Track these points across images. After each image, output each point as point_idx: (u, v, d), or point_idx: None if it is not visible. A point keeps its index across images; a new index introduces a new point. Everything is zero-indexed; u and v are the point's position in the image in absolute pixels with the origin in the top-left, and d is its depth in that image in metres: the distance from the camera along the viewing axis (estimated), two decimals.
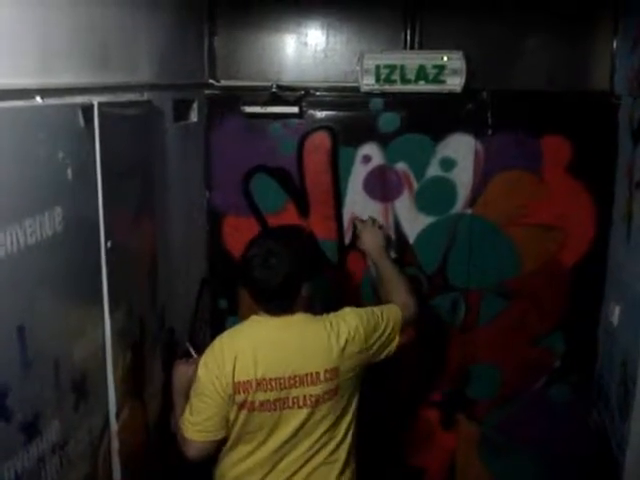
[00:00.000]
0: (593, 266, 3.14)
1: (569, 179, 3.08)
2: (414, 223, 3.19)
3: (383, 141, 3.13)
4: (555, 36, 3.13)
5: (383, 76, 3.02)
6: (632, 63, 2.77)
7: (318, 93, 3.15)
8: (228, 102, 3.14)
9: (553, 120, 3.06)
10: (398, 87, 3.03)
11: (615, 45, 3.04)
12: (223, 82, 3.18)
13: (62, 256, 1.71)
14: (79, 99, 1.80)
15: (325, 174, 3.17)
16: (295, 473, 2.35)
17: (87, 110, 1.81)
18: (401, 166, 3.14)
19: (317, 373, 2.25)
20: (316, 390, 2.26)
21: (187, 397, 2.34)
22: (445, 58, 2.98)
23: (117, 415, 2.06)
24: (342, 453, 2.40)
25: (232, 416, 2.27)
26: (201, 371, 2.27)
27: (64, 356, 1.74)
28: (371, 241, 2.92)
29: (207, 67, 3.18)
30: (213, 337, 2.41)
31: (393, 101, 3.10)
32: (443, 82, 3.00)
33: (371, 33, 3.14)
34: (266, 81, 3.12)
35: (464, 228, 3.17)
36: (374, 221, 3.08)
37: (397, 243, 3.20)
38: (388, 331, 2.43)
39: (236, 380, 2.22)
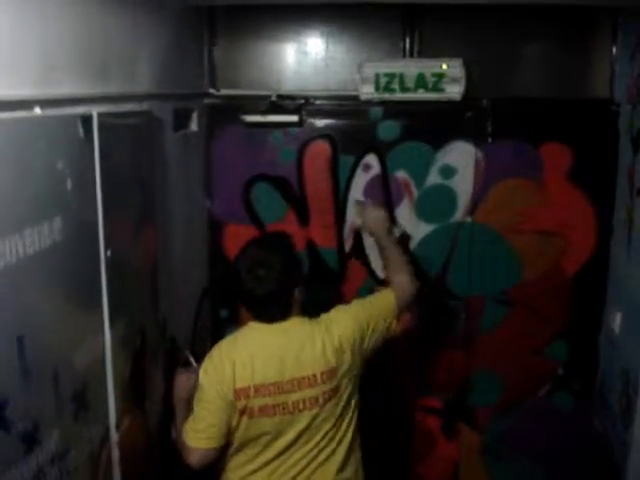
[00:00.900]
0: (594, 273, 3.13)
1: (570, 186, 3.08)
2: (414, 231, 3.19)
3: (383, 149, 3.13)
4: (555, 44, 3.14)
5: (382, 84, 3.03)
6: (631, 71, 2.78)
7: (318, 102, 3.16)
8: (228, 111, 3.15)
9: (553, 128, 3.06)
10: (398, 95, 3.04)
11: (614, 53, 3.05)
12: (223, 91, 3.18)
13: (62, 266, 1.71)
14: (78, 109, 1.80)
15: (325, 182, 3.17)
16: (299, 473, 2.36)
17: (86, 120, 1.81)
18: (401, 174, 3.15)
19: (314, 375, 2.28)
20: (315, 392, 2.29)
21: (188, 406, 2.35)
22: (444, 66, 2.99)
23: (117, 425, 2.06)
24: (342, 451, 2.41)
25: (234, 422, 2.29)
26: (202, 379, 2.30)
27: (64, 366, 1.73)
28: (373, 221, 2.89)
29: (207, 76, 3.19)
30: (214, 346, 2.42)
31: (393, 109, 3.10)
32: (442, 90, 3.01)
33: (371, 42, 3.15)
34: (266, 90, 3.13)
35: (465, 236, 3.17)
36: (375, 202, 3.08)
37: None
38: (381, 322, 2.45)
39: (236, 386, 2.25)
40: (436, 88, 3.01)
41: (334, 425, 2.36)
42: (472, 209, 3.14)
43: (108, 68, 2.07)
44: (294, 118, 3.11)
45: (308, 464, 2.36)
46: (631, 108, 2.81)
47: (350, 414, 2.42)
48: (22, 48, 1.54)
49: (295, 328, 2.33)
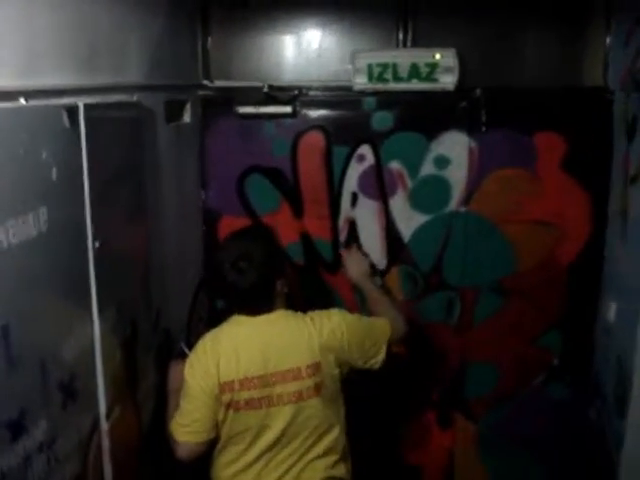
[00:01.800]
0: (590, 263, 3.13)
1: (564, 175, 3.07)
2: (409, 222, 3.19)
3: (377, 140, 3.12)
4: (548, 33, 3.13)
5: (376, 75, 3.02)
6: (625, 59, 2.76)
7: (311, 93, 3.16)
8: (222, 103, 3.14)
9: (547, 117, 3.05)
10: (391, 86, 3.04)
11: (608, 41, 3.03)
12: (217, 83, 3.18)
13: (48, 256, 1.71)
14: (64, 100, 1.80)
15: (319, 173, 3.17)
16: (287, 471, 2.37)
17: (72, 111, 1.81)
18: (395, 165, 3.14)
19: (298, 368, 2.28)
20: (298, 386, 2.29)
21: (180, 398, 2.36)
22: (438, 56, 2.98)
23: (108, 414, 2.07)
24: (333, 448, 2.42)
25: (220, 416, 2.30)
26: (187, 374, 2.32)
27: (51, 355, 1.74)
28: (355, 269, 2.92)
29: (201, 68, 3.19)
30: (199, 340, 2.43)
31: (386, 100, 3.09)
32: (436, 80, 3.00)
33: (364, 32, 3.15)
34: (260, 81, 3.12)
35: (459, 226, 3.17)
36: (359, 248, 3.14)
37: (391, 241, 3.21)
38: (372, 341, 2.44)
39: (221, 380, 2.26)
40: (429, 78, 3.00)
41: (320, 425, 2.37)
42: (466, 199, 3.14)
43: (96, 59, 2.07)
44: (287, 109, 3.10)
45: (295, 463, 2.37)
46: (625, 96, 2.79)
47: (337, 413, 2.43)
48: (5, 38, 1.54)
49: (280, 320, 2.35)
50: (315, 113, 3.15)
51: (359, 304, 3.15)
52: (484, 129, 3.06)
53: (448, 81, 2.99)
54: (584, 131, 3.02)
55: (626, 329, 2.75)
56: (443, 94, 3.04)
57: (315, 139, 3.15)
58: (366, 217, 3.19)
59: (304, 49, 3.19)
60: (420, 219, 3.19)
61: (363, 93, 3.09)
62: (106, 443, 2.06)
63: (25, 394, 1.60)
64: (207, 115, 3.16)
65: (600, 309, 3.11)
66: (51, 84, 1.76)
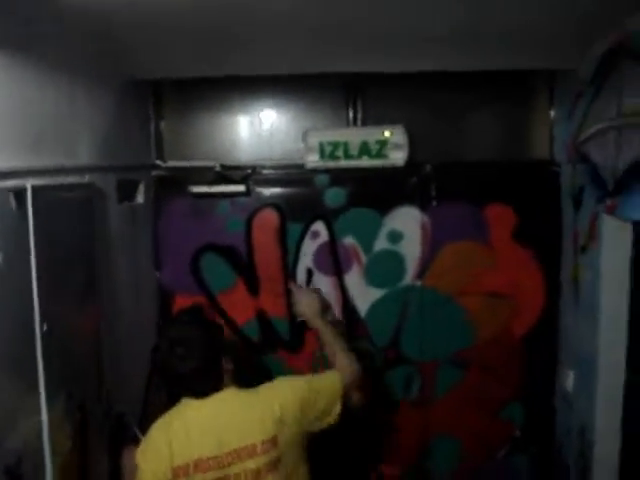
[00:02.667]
0: (546, 332, 3.15)
1: (516, 247, 3.12)
2: (364, 297, 3.18)
3: (330, 216, 3.15)
4: (495, 108, 3.23)
5: (327, 152, 3.07)
6: (569, 132, 2.86)
7: (265, 171, 3.18)
8: (175, 182, 3.15)
9: (496, 190, 3.12)
10: (342, 163, 3.08)
11: (552, 115, 3.14)
12: (170, 163, 3.20)
13: None
14: (11, 183, 1.79)
15: (274, 251, 3.16)
16: None
17: (20, 194, 1.80)
18: (349, 240, 3.16)
19: (253, 445, 2.23)
20: (255, 463, 2.23)
21: None
22: (387, 133, 3.04)
23: None
24: None
25: None
26: (139, 459, 2.25)
27: None
28: (307, 305, 2.92)
29: (154, 148, 3.21)
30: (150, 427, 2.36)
31: (338, 177, 3.13)
32: (386, 157, 3.06)
33: (315, 111, 3.21)
34: (214, 160, 3.14)
35: (415, 300, 3.17)
36: (308, 286, 3.13)
37: (348, 317, 3.19)
38: (325, 399, 2.40)
39: (174, 464, 2.20)
40: (380, 155, 3.05)
41: None
42: (421, 273, 3.15)
43: (45, 141, 2.06)
44: (241, 188, 3.12)
45: None
46: (571, 167, 2.87)
47: None
48: None
49: (231, 399, 2.30)
50: (268, 191, 3.17)
51: None
52: (435, 203, 3.11)
53: (398, 157, 3.05)
54: (533, 202, 3.09)
55: (584, 397, 2.77)
56: (394, 170, 3.08)
57: (269, 217, 3.16)
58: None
59: (257, 128, 3.23)
60: (376, 294, 3.18)
61: (315, 171, 3.13)
62: None
63: None
64: (160, 195, 3.15)
65: (558, 378, 3.11)
66: None
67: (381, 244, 3.15)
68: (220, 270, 3.18)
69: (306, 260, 3.17)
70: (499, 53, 2.66)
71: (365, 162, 3.07)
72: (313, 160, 3.09)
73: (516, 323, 3.18)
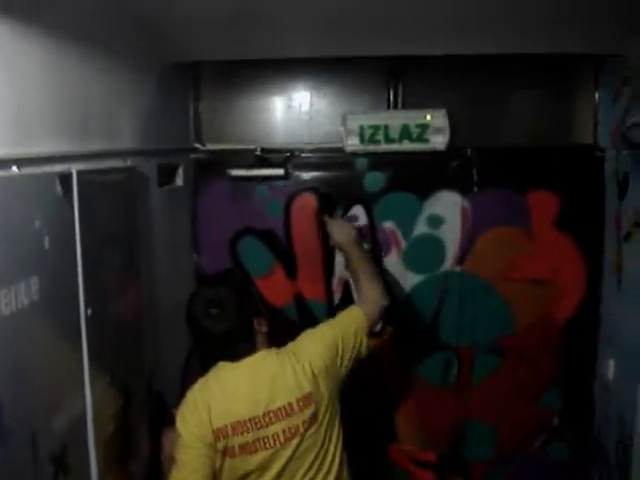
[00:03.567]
0: (586, 320, 3.10)
1: (557, 233, 3.07)
2: (403, 282, 3.17)
3: (369, 200, 3.14)
4: (538, 91, 3.17)
5: (367, 136, 3.05)
6: (614, 116, 2.80)
7: (303, 155, 3.17)
8: (214, 166, 3.16)
9: (538, 175, 3.07)
10: (382, 147, 3.06)
11: (597, 99, 3.07)
12: (209, 146, 3.21)
13: (40, 325, 1.68)
14: (57, 168, 1.80)
15: (313, 235, 3.16)
16: None
17: (65, 178, 1.81)
18: (388, 225, 3.14)
19: (290, 404, 2.25)
20: (294, 421, 2.25)
21: None
22: (428, 117, 3.01)
23: None
24: (332, 472, 2.37)
25: (217, 464, 2.25)
26: (179, 425, 2.26)
27: (43, 428, 1.69)
28: (340, 234, 2.91)
29: (193, 131, 3.21)
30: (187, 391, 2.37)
31: (378, 161, 3.11)
32: (427, 141, 3.03)
33: (355, 94, 3.18)
34: (252, 144, 3.14)
35: (454, 286, 3.15)
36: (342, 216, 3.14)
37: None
38: (352, 340, 2.43)
39: (214, 427, 2.22)
40: (421, 139, 3.03)
41: (318, 453, 2.32)
42: (461, 258, 3.13)
43: (89, 126, 2.07)
44: (280, 171, 3.12)
45: None
46: (615, 153, 2.82)
47: (335, 440, 2.38)
48: None
49: (263, 361, 2.31)
50: (308, 175, 3.17)
51: None
52: (476, 188, 3.08)
53: (439, 141, 3.02)
54: (576, 189, 3.03)
55: (625, 386, 2.73)
56: (434, 154, 3.06)
57: (308, 201, 3.15)
58: None
59: (295, 111, 3.22)
60: (415, 279, 3.17)
61: (355, 154, 3.11)
62: None
63: (16, 468, 1.56)
64: (199, 178, 3.17)
65: (598, 367, 3.08)
66: (44, 152, 1.75)
67: (421, 229, 3.14)
68: (258, 254, 3.19)
69: None
70: (544, 37, 2.60)
71: (406, 146, 3.05)
72: (353, 144, 3.07)
73: (556, 311, 3.14)
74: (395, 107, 3.16)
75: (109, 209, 2.16)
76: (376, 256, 3.13)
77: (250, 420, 2.23)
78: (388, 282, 3.12)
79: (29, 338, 1.63)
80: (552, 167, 3.07)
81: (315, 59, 2.91)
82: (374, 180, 3.12)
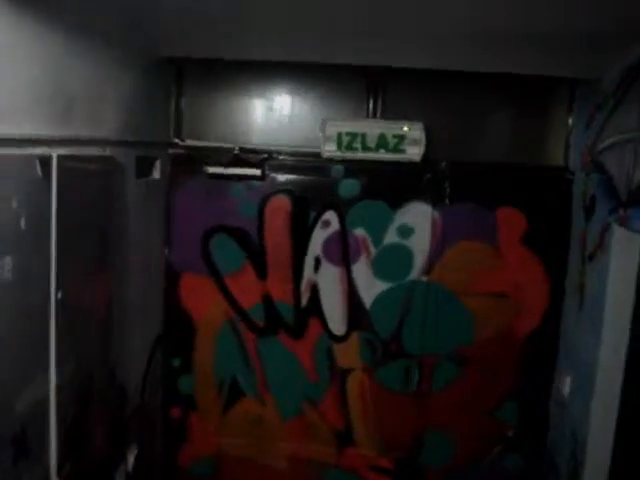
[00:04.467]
0: (546, 336, 3.18)
1: (524, 250, 3.15)
2: (371, 288, 3.22)
3: (343, 206, 3.18)
4: (513, 111, 3.26)
5: (345, 143, 3.10)
6: (585, 141, 2.89)
7: (281, 157, 3.21)
8: (191, 162, 3.19)
9: (509, 192, 3.14)
10: (359, 155, 3.11)
11: (570, 123, 3.16)
12: (188, 142, 3.22)
13: (9, 304, 1.70)
14: (38, 150, 1.82)
15: (284, 237, 3.20)
16: None
17: (46, 161, 1.83)
18: (359, 232, 3.19)
19: None
20: None
21: None
22: (406, 128, 3.07)
23: (59, 470, 2.02)
24: None
25: None
26: None
27: (5, 407, 1.71)
28: None
29: (173, 126, 3.24)
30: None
31: (354, 168, 3.17)
32: (403, 151, 3.08)
33: (335, 101, 3.23)
34: (231, 143, 3.18)
35: (420, 295, 3.21)
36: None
37: (353, 307, 3.24)
38: None
39: None
40: (397, 149, 3.08)
41: None
42: (428, 269, 3.19)
43: (72, 112, 2.09)
44: (257, 172, 3.16)
45: None
46: (584, 176, 2.90)
47: None
48: None
49: None
50: (284, 177, 3.21)
51: (317, 371, 3.22)
52: (447, 201, 3.14)
53: (415, 153, 3.07)
54: (545, 208, 3.12)
55: (579, 401, 2.82)
56: (409, 165, 3.11)
57: (282, 203, 3.19)
58: (328, 282, 3.23)
59: (276, 114, 3.26)
60: (382, 286, 3.23)
61: (331, 160, 3.15)
62: None
63: None
64: (176, 173, 3.19)
65: (555, 382, 3.15)
66: (24, 134, 1.76)
67: (391, 237, 3.20)
68: (230, 252, 3.22)
69: (315, 248, 3.21)
70: (519, 58, 2.68)
71: (382, 155, 3.10)
72: (330, 150, 3.12)
73: (518, 325, 3.22)
74: (374, 116, 3.21)
75: (86, 196, 2.18)
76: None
77: None
78: (356, 288, 3.20)
79: None
80: (522, 186, 3.15)
81: (298, 64, 2.95)
82: (349, 187, 3.17)
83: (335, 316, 3.24)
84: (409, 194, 3.17)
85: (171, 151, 3.19)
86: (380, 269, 3.21)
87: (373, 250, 3.20)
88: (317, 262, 3.22)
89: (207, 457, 3.36)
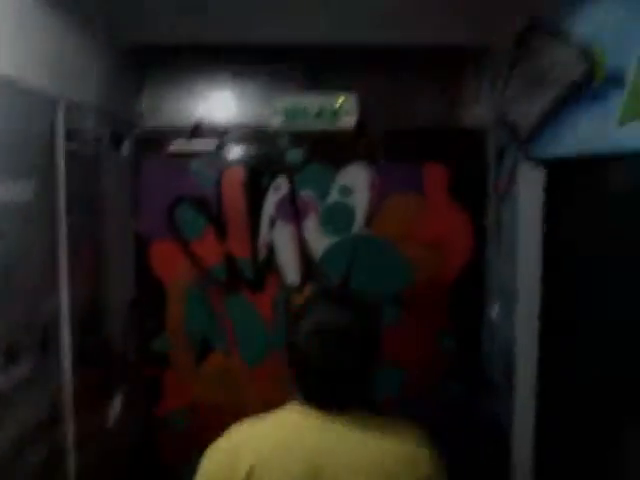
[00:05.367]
0: (475, 273, 3.66)
1: (449, 199, 3.64)
2: (320, 242, 3.67)
3: (291, 172, 3.63)
4: (434, 81, 3.71)
5: (290, 116, 3.54)
6: (493, 101, 3.39)
7: (234, 132, 3.63)
8: (154, 141, 3.58)
9: (433, 151, 3.64)
10: (302, 125, 3.56)
11: (481, 87, 3.67)
12: (151, 122, 3.62)
13: (32, 224, 2.07)
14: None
15: (241, 202, 3.62)
16: None
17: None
18: (307, 193, 3.64)
19: None
20: None
21: None
22: (341, 100, 3.54)
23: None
24: None
25: None
26: (206, 466, 1.77)
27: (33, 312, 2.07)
28: None
29: (137, 109, 3.62)
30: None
31: (298, 138, 3.62)
32: (340, 120, 3.55)
33: (280, 79, 3.65)
34: (189, 122, 3.59)
35: (363, 246, 3.66)
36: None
37: (305, 260, 3.66)
38: None
39: None
40: (334, 118, 3.55)
41: None
42: (369, 222, 3.65)
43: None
44: (212, 147, 3.58)
45: None
46: (495, 132, 3.40)
47: None
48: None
49: (361, 427, 1.76)
50: (237, 150, 3.62)
51: (278, 322, 3.61)
52: (382, 162, 3.62)
53: (351, 120, 3.54)
54: (464, 163, 3.63)
55: (506, 323, 3.25)
56: (347, 132, 3.57)
57: (237, 173, 3.62)
58: (282, 239, 3.65)
59: (228, 94, 3.68)
60: (330, 240, 3.67)
61: (279, 132, 3.60)
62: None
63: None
64: (140, 151, 3.57)
65: (486, 311, 3.62)
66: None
67: (334, 197, 3.65)
68: (193, 219, 3.62)
69: (269, 210, 3.63)
70: (422, 29, 3.21)
71: (322, 124, 3.56)
72: (277, 123, 3.56)
73: (449, 265, 3.68)
74: (315, 90, 3.62)
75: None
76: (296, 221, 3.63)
77: None
78: (307, 243, 3.62)
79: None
80: (445, 144, 3.65)
81: (246, 45, 3.39)
82: (295, 155, 3.62)
83: (290, 269, 3.65)
84: (348, 158, 3.63)
85: (136, 131, 3.57)
86: (327, 225, 3.66)
87: (320, 209, 3.65)
88: (272, 222, 3.63)
89: (181, 408, 3.67)
